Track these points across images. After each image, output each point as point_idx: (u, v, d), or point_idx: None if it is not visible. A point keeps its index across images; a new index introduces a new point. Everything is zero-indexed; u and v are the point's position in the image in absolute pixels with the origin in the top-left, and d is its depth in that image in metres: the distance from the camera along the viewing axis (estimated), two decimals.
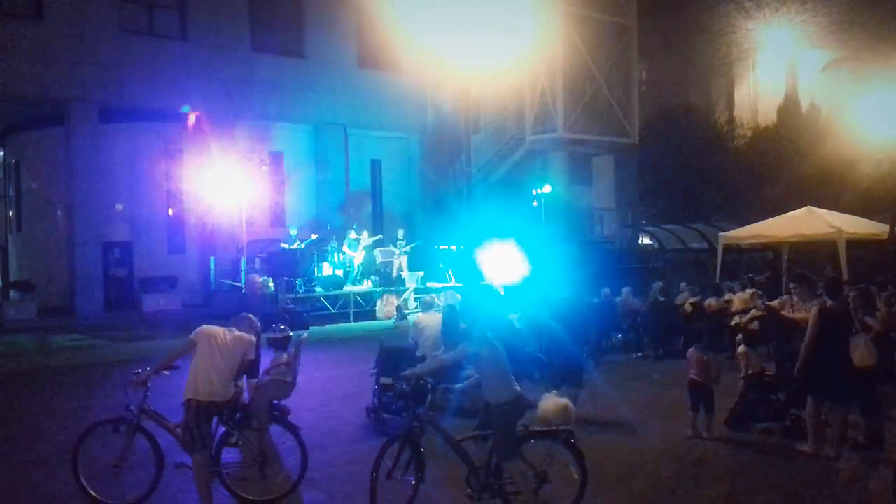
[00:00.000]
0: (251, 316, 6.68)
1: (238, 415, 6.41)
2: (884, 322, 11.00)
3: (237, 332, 6.40)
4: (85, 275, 22.96)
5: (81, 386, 12.26)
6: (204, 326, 6.37)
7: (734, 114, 36.39)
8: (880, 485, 6.86)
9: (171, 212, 25.89)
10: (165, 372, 6.44)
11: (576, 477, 6.12)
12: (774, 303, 11.49)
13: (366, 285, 22.08)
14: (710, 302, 14.89)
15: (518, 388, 6.25)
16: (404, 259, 23.15)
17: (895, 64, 19.75)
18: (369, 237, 23.30)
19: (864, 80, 19.56)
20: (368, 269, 22.67)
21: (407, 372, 6.38)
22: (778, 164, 28.90)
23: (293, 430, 6.63)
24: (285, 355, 6.86)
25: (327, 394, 11.05)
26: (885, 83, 17.18)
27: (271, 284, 19.55)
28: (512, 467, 6.02)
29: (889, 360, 11.84)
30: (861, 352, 7.68)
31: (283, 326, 7.04)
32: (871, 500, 6.78)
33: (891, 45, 22.03)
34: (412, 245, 23.87)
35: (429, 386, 6.46)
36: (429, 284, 22.68)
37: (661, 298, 15.01)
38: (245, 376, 6.52)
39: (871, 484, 7.11)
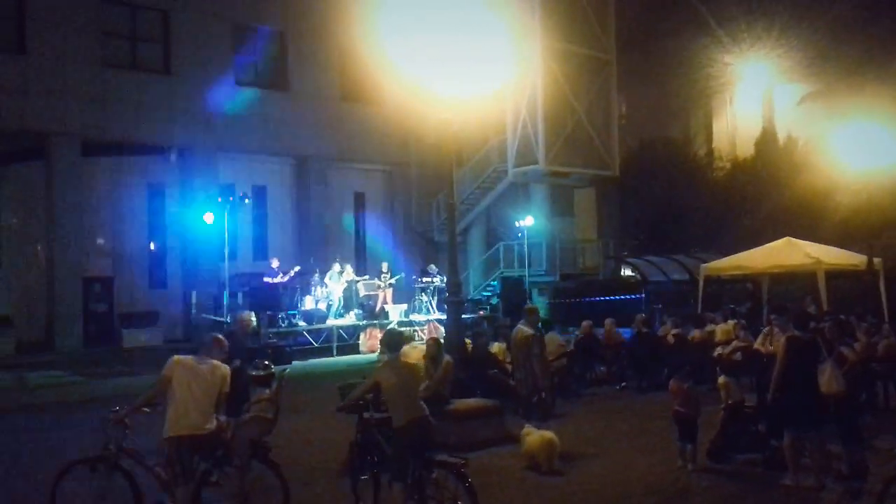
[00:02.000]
0: (218, 336, 6.59)
1: (219, 452, 6.32)
2: (863, 352, 11.10)
3: (211, 361, 6.32)
4: (65, 310, 22.68)
5: (60, 424, 12.06)
6: (175, 357, 6.27)
7: (713, 146, 36.88)
8: None
9: (152, 246, 25.75)
10: (146, 409, 6.36)
11: None
12: (759, 338, 11.57)
13: (349, 318, 22.00)
14: (694, 333, 14.96)
15: (425, 410, 6.34)
16: (388, 292, 23.11)
17: (869, 97, 20.19)
18: (353, 271, 23.29)
19: (839, 112, 19.98)
20: (351, 303, 22.60)
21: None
22: (757, 196, 29.26)
23: (275, 467, 6.55)
24: (267, 391, 6.81)
25: (310, 429, 10.94)
26: (859, 116, 17.51)
27: (254, 319, 19.39)
28: (393, 490, 6.09)
29: (870, 390, 11.94)
30: (827, 378, 7.75)
31: (266, 363, 7.00)
32: None
33: (864, 78, 22.56)
34: (396, 278, 23.87)
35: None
36: (412, 317, 22.64)
37: (644, 330, 15.06)
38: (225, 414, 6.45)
39: None
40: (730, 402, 8.98)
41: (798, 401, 7.76)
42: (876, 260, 17.61)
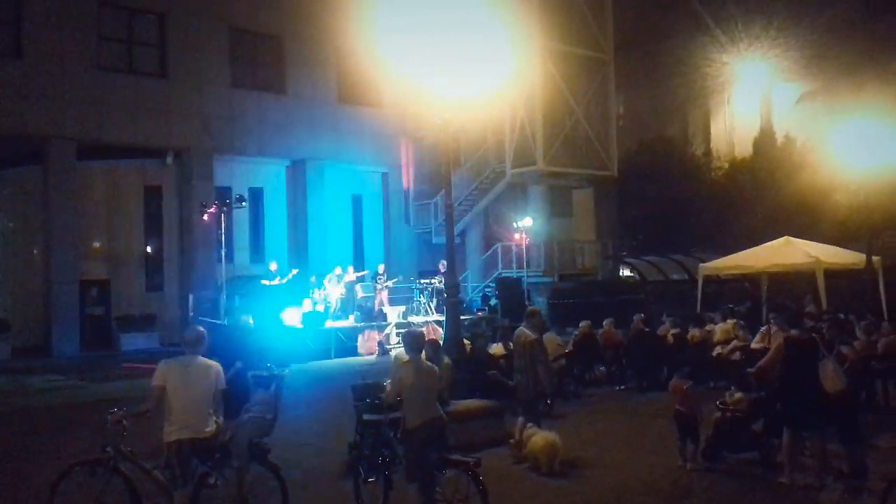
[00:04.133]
0: (198, 328, 6.53)
1: (217, 454, 6.28)
2: (862, 350, 11.07)
3: (202, 360, 6.26)
4: (61, 314, 22.62)
5: (57, 428, 12.01)
6: (163, 362, 6.20)
7: (711, 146, 36.87)
8: None
9: (149, 249, 25.71)
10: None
11: None
12: (757, 337, 11.55)
13: (350, 320, 21.96)
14: (693, 333, 14.93)
15: (440, 412, 6.34)
16: (385, 294, 23.07)
17: (868, 95, 20.19)
18: (354, 273, 23.27)
19: (838, 111, 19.98)
20: (348, 305, 22.57)
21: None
22: (755, 195, 29.26)
23: (274, 469, 6.51)
24: (267, 393, 6.77)
25: (309, 431, 10.90)
26: (858, 114, 17.50)
27: (251, 322, 19.35)
28: (407, 490, 6.07)
29: (870, 389, 11.92)
30: (830, 376, 7.73)
31: (268, 365, 6.97)
32: None
33: (862, 77, 22.57)
34: (394, 280, 23.83)
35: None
36: (411, 319, 22.60)
37: (647, 329, 15.03)
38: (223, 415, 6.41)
39: None
40: (725, 405, 8.92)
41: (798, 400, 7.75)
42: (875, 259, 17.62)
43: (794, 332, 8.05)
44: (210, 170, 25.48)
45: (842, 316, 13.75)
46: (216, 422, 6.19)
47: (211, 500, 6.52)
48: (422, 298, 23.95)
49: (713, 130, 37.59)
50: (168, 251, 25.53)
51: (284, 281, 21.43)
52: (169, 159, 25.29)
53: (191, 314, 23.50)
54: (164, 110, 24.55)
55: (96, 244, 24.81)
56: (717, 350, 14.12)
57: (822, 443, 7.88)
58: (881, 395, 12.15)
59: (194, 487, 6.14)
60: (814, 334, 8.17)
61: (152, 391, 6.07)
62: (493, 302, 25.89)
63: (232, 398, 6.91)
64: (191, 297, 23.92)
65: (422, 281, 24.43)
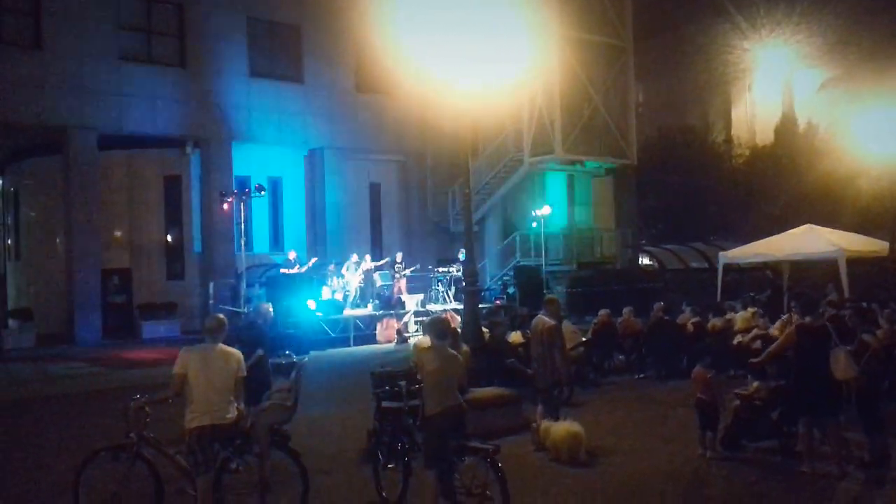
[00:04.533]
0: (218, 315, 6.57)
1: (238, 440, 6.34)
2: (885, 339, 10.96)
3: (222, 347, 6.31)
4: (84, 302, 22.90)
5: (81, 414, 12.17)
6: (183, 351, 6.24)
7: (732, 133, 36.56)
8: (887, 503, 6.79)
9: (169, 238, 25.92)
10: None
11: (492, 498, 6.03)
12: (777, 324, 11.47)
13: (368, 309, 22.03)
14: (715, 322, 14.84)
15: (460, 399, 6.32)
16: (403, 282, 23.12)
17: (890, 82, 19.89)
18: (372, 261, 23.32)
19: (860, 98, 19.71)
20: (367, 293, 22.64)
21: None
22: (776, 183, 28.98)
23: (295, 455, 6.56)
24: (287, 380, 6.82)
25: (329, 418, 10.97)
26: (880, 101, 17.27)
27: (271, 310, 19.46)
28: (426, 477, 6.06)
29: (893, 377, 11.80)
30: (841, 365, 7.66)
31: (287, 353, 7.02)
32: None
33: (885, 63, 22.22)
34: (412, 268, 23.86)
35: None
36: (429, 307, 22.64)
37: (666, 318, 14.96)
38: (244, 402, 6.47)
39: (877, 503, 7.03)
40: (744, 394, 8.89)
41: (811, 388, 7.72)
42: None
43: (807, 319, 8.00)
44: (229, 159, 25.62)
45: (864, 304, 13.63)
46: (237, 408, 6.23)
47: (233, 486, 6.58)
48: (440, 287, 23.98)
49: (734, 117, 37.27)
50: (188, 240, 25.73)
51: (304, 269, 21.52)
52: (189, 149, 25.45)
53: (211, 302, 23.72)
54: (184, 100, 24.68)
55: (117, 233, 25.06)
56: (738, 339, 14.02)
57: (838, 431, 7.83)
58: None
59: (216, 473, 6.21)
60: (826, 322, 8.09)
61: (174, 378, 6.13)
62: (511, 290, 25.87)
63: (253, 385, 6.98)
64: (211, 286, 24.11)
65: (440, 269, 24.44)
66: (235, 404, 6.19)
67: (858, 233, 18.96)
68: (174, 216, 25.81)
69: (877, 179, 19.52)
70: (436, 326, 6.61)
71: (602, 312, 15.14)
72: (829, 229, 18.24)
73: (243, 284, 21.49)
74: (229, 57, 25.74)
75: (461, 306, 20.75)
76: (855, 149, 18.32)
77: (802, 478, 7.70)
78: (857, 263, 18.09)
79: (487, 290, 26.16)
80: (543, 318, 9.18)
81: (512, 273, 27.46)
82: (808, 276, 20.13)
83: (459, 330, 11.01)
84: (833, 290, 16.88)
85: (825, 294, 16.25)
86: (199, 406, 6.03)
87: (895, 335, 12.12)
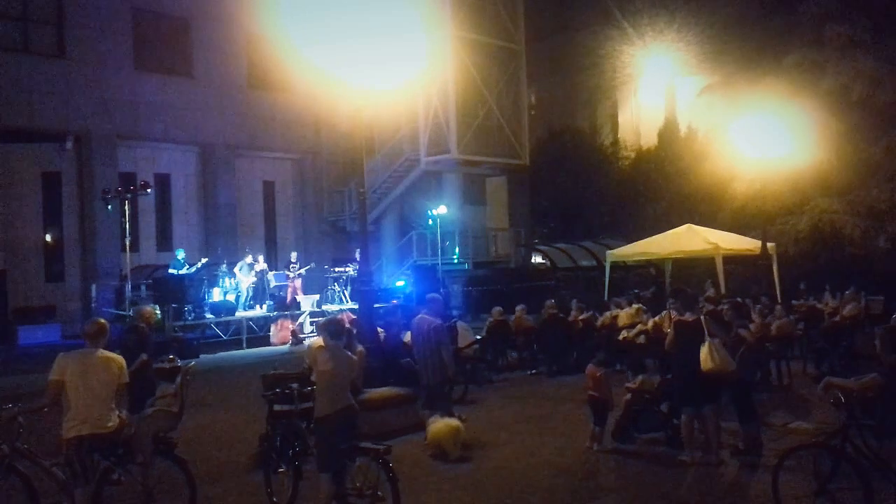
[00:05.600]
0: (98, 320, 6.32)
1: (120, 450, 6.08)
2: (758, 332, 11.64)
3: (103, 352, 6.06)
4: None
5: None
6: (61, 356, 5.95)
7: (619, 136, 37.96)
8: (760, 489, 7.21)
9: (48, 238, 24.59)
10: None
11: (384, 498, 6.09)
12: (656, 318, 12.00)
13: (259, 310, 21.59)
14: (606, 317, 15.40)
15: (352, 400, 6.32)
16: (298, 282, 22.80)
17: (764, 89, 21.13)
18: (264, 261, 22.87)
19: (736, 104, 20.85)
20: (262, 294, 22.20)
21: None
22: (660, 184, 30.27)
23: (181, 463, 6.37)
24: (172, 386, 6.61)
25: (219, 424, 10.70)
26: (754, 107, 18.32)
27: (157, 312, 18.81)
28: (320, 480, 6.08)
29: (765, 369, 12.56)
30: (704, 356, 8.07)
31: (171, 357, 6.81)
32: (752, 503, 7.13)
33: (758, 72, 23.60)
34: (306, 268, 23.56)
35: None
36: (325, 307, 22.40)
37: (560, 315, 15.37)
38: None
39: (752, 488, 7.46)
40: (633, 387, 9.26)
41: (687, 381, 8.14)
42: (769, 245, 18.51)
43: (687, 315, 8.40)
44: (113, 155, 24.54)
45: (740, 299, 14.42)
46: (119, 416, 5.99)
47: (115, 497, 6.33)
48: (336, 286, 23.78)
49: (621, 121, 38.72)
50: (69, 240, 24.49)
51: (193, 270, 20.87)
52: (69, 144, 24.19)
53: (93, 305, 22.65)
54: (63, 92, 23.45)
55: None
56: (623, 334, 14.58)
57: (715, 420, 8.25)
58: (775, 374, 12.83)
59: (96, 484, 5.93)
60: (702, 317, 8.52)
61: (49, 386, 5.83)
62: (407, 290, 25.92)
63: (136, 391, 6.73)
64: (93, 288, 23.03)
65: (336, 269, 24.23)
66: (117, 412, 5.95)
67: (734, 232, 19.99)
68: (53, 215, 24.50)
69: (751, 182, 20.68)
70: (330, 327, 6.56)
71: (495, 310, 15.43)
72: (707, 228, 19.15)
73: (128, 286, 20.62)
74: (114, 48, 24.63)
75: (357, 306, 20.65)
76: (731, 153, 19.34)
77: (682, 466, 8.09)
78: (732, 261, 19.11)
79: (383, 289, 26.12)
80: (427, 317, 9.27)
81: (409, 272, 27.53)
82: (689, 273, 21.13)
83: (354, 330, 10.95)
84: (711, 287, 17.79)
85: (703, 290, 17.12)
86: (78, 414, 5.77)
87: (766, 329, 12.93)
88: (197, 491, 6.40)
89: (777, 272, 18.64)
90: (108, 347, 6.17)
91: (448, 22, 27.11)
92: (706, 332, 8.11)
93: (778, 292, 18.03)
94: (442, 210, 27.74)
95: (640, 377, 9.28)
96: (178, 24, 26.57)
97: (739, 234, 20.01)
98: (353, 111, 11.62)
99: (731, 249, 18.06)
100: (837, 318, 14.72)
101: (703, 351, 8.04)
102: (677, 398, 8.43)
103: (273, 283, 22.70)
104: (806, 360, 14.17)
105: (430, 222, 27.93)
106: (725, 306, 10.44)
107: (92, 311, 22.93)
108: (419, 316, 9.44)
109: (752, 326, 11.24)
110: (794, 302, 17.25)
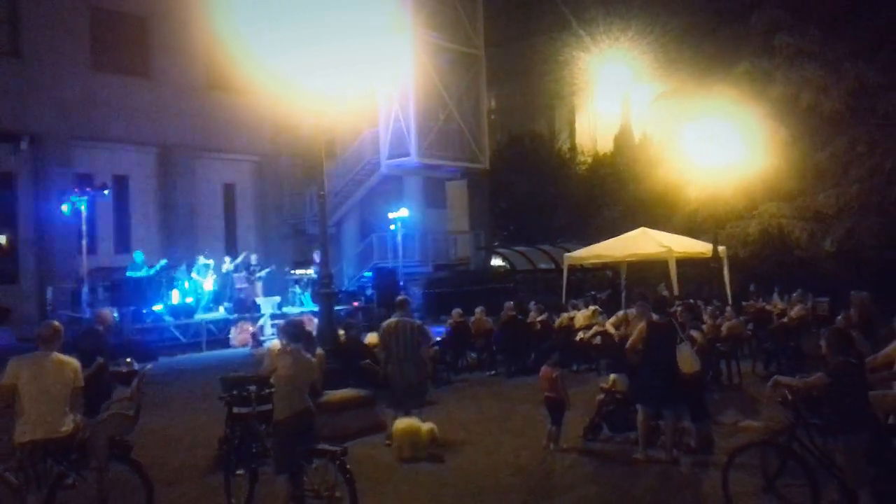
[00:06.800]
0: (52, 322, 6.31)
1: (74, 454, 6.05)
2: (709, 333, 11.99)
3: (57, 356, 6.04)
4: None
5: None
6: (13, 360, 5.92)
7: (576, 141, 38.41)
8: (711, 486, 7.44)
9: (1, 240, 24.07)
10: None
11: (341, 499, 6.17)
12: (612, 319, 12.27)
13: (219, 312, 21.44)
14: (563, 319, 15.66)
15: (309, 403, 6.41)
16: (259, 285, 22.68)
17: (715, 97, 21.58)
18: (231, 262, 22.75)
19: (689, 112, 21.23)
20: (220, 296, 22.04)
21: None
22: (616, 189, 30.69)
23: (137, 466, 6.37)
24: (128, 389, 6.61)
25: (177, 427, 10.66)
26: (706, 115, 18.72)
27: (114, 314, 18.56)
28: (277, 482, 6.14)
29: (716, 369, 12.92)
30: (686, 359, 8.38)
31: (128, 360, 6.81)
32: (703, 500, 7.36)
33: (709, 81, 24.07)
34: (266, 270, 23.46)
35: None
36: (286, 310, 22.33)
37: (519, 316, 15.58)
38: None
39: (703, 485, 7.70)
40: (606, 387, 9.48)
41: (657, 380, 8.32)
42: (720, 248, 18.97)
43: (656, 317, 8.63)
44: (69, 156, 24.12)
45: (692, 301, 14.79)
46: (74, 420, 5.98)
47: (68, 502, 6.30)
48: (297, 289, 23.71)
49: (578, 126, 39.18)
50: (23, 241, 23.98)
51: (152, 272, 20.66)
52: (23, 144, 23.71)
53: (49, 308, 22.24)
54: (18, 92, 22.99)
55: None
56: (580, 335, 14.85)
57: (677, 420, 8.49)
58: (726, 374, 13.20)
59: (49, 489, 5.91)
60: (672, 320, 8.77)
61: (2, 390, 5.81)
62: (368, 292, 25.95)
63: (91, 395, 6.72)
64: (49, 290, 22.61)
65: (297, 272, 24.15)
66: (71, 416, 5.94)
67: (687, 235, 20.44)
68: (6, 216, 23.99)
69: (703, 187, 21.12)
70: (290, 329, 6.64)
71: (455, 312, 15.58)
72: (660, 232, 19.56)
73: (85, 289, 20.31)
74: (70, 47, 24.20)
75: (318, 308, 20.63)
76: (684, 159, 19.76)
77: (637, 465, 8.31)
78: (685, 264, 19.54)
79: (344, 291, 26.11)
80: (405, 320, 9.41)
81: (370, 275, 27.55)
82: (644, 275, 21.51)
83: (314, 333, 11.00)
84: (665, 289, 18.18)
85: (657, 292, 17.49)
86: (31, 418, 5.75)
87: (717, 330, 13.31)
88: (153, 495, 6.40)
89: (728, 274, 19.11)
90: (65, 350, 6.16)
91: (409, 25, 27.21)
92: (680, 335, 8.36)
93: (728, 294, 18.50)
94: (403, 213, 27.81)
95: (612, 377, 9.50)
96: (136, 23, 26.22)
97: (692, 237, 20.46)
98: (313, 114, 11.66)
99: (683, 252, 18.48)
100: (785, 320, 15.18)
101: (685, 353, 8.29)
102: (642, 397, 8.52)
103: (237, 286, 22.57)
104: (755, 359, 14.61)
105: (392, 226, 27.98)
106: (679, 308, 10.75)
107: (47, 313, 22.52)
108: (396, 319, 9.52)
109: (703, 327, 11.61)
110: (743, 303, 17.72)
